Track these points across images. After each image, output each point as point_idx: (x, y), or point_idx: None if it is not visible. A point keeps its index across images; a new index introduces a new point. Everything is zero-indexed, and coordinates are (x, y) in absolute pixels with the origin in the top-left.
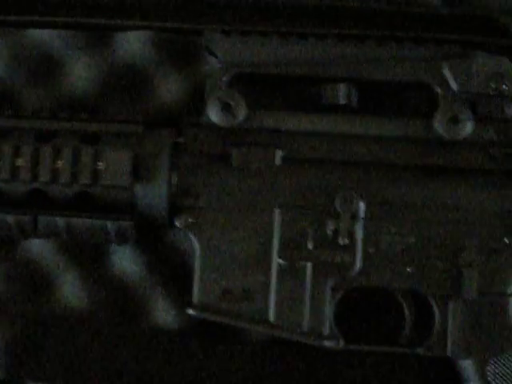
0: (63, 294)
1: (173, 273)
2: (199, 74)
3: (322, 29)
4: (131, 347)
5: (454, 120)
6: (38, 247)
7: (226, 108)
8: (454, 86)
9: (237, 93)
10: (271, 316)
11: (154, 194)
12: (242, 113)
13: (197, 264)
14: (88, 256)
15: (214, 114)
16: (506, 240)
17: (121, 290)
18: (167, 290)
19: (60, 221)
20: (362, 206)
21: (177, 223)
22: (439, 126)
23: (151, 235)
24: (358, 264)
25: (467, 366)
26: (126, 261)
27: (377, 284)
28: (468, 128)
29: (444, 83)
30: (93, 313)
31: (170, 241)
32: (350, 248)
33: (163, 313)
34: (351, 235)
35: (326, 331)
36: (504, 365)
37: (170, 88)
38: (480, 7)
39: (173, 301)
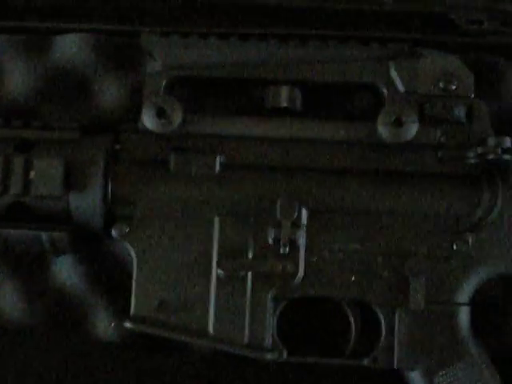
0: (2, 305)
1: (114, 284)
2: (139, 77)
3: (264, 29)
4: (72, 360)
5: (398, 122)
6: None
7: (161, 114)
8: (400, 86)
9: (173, 98)
10: (211, 328)
11: (88, 203)
12: (177, 119)
13: (134, 275)
14: (27, 267)
15: (148, 120)
16: (455, 246)
17: (61, 301)
18: (108, 302)
19: None
20: (304, 213)
21: (113, 233)
22: (382, 128)
23: (91, 245)
24: (301, 273)
25: (415, 378)
26: (65, 272)
27: (321, 293)
28: (412, 130)
29: (391, 84)
30: (32, 325)
31: (111, 250)
32: (292, 257)
33: (104, 325)
34: (293, 244)
35: (268, 343)
36: (453, 377)
37: (108, 93)
38: (429, 2)
39: (114, 313)
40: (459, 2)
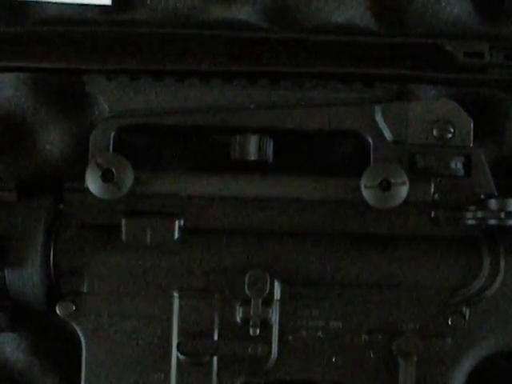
0: None
1: (63, 358)
2: (86, 122)
3: (229, 67)
4: None
5: (385, 185)
6: None
7: (108, 177)
8: (387, 134)
9: (122, 158)
10: None
11: (27, 279)
12: (127, 182)
13: (83, 361)
14: None
15: (93, 184)
16: (450, 321)
17: (4, 379)
18: (57, 378)
19: None
20: (276, 286)
21: (58, 312)
22: (367, 192)
23: (35, 320)
24: (274, 355)
25: None
26: (8, 347)
27: (297, 378)
28: (401, 194)
29: (376, 132)
30: None
31: (59, 323)
32: (264, 337)
33: None
34: (265, 322)
35: None
36: None
37: (50, 142)
38: (422, 32)
39: None
40: (456, 31)
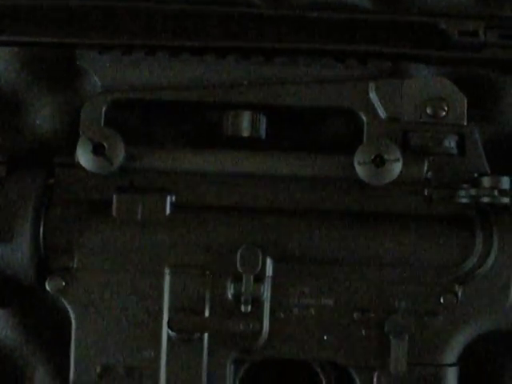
0: None
1: (53, 336)
2: (77, 97)
3: (222, 43)
4: None
5: (378, 161)
6: None
7: (99, 151)
8: (381, 112)
9: (113, 132)
10: None
11: (17, 254)
12: (118, 157)
13: (72, 336)
14: None
15: (84, 158)
16: (443, 300)
17: None
18: (47, 357)
19: None
20: (268, 263)
21: (47, 287)
22: (360, 168)
23: (25, 296)
24: (265, 332)
25: None
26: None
27: (288, 355)
28: (394, 171)
29: (370, 109)
30: None
31: (49, 299)
32: (255, 314)
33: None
34: (256, 299)
35: None
36: None
37: (41, 117)
38: (415, 10)
39: (54, 373)
40: (451, 10)
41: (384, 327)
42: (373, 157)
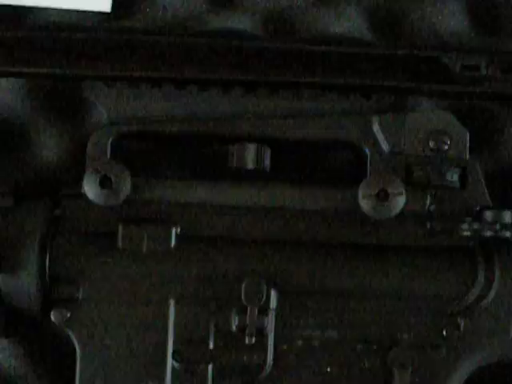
0: None
1: (58, 365)
2: (84, 129)
3: (226, 75)
4: None
5: (382, 196)
6: None
7: (106, 184)
8: (385, 146)
9: (120, 165)
10: None
11: (22, 285)
12: (125, 189)
13: (77, 367)
14: None
15: (91, 190)
16: (445, 332)
17: None
18: None
19: None
20: (273, 295)
21: (52, 318)
22: (364, 202)
23: (30, 326)
24: (269, 365)
25: None
26: (2, 353)
27: None
28: (398, 204)
29: (374, 142)
30: None
31: (54, 329)
32: (260, 346)
33: None
34: (260, 331)
35: None
36: None
37: (48, 148)
38: (418, 45)
39: None
40: (453, 43)
41: (387, 359)
42: (377, 191)
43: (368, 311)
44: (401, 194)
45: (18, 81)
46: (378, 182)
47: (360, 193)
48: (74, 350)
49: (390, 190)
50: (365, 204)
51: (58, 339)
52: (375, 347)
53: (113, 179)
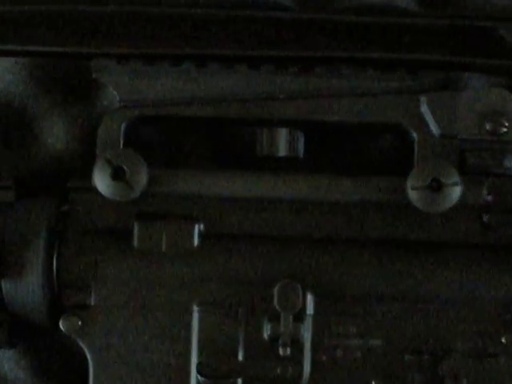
0: None
1: (67, 380)
2: (93, 113)
3: (254, 51)
4: None
5: (435, 186)
6: None
7: (119, 176)
8: (434, 128)
9: (135, 154)
10: None
11: (27, 290)
12: (141, 182)
13: (90, 381)
14: None
15: (102, 184)
16: (504, 339)
17: None
18: None
19: None
20: (309, 299)
21: (61, 327)
22: (414, 194)
23: (37, 334)
24: (306, 378)
25: None
26: (7, 364)
27: None
28: (454, 196)
29: (422, 125)
30: None
31: (62, 339)
32: (295, 357)
33: None
34: (296, 340)
35: None
36: None
37: (53, 135)
38: (471, 15)
39: None
40: (510, 14)
41: (438, 370)
42: (429, 181)
43: (417, 317)
44: (456, 184)
45: (20, 60)
46: (430, 170)
47: (409, 183)
48: (86, 361)
49: (443, 180)
50: (415, 196)
51: (68, 349)
52: (425, 357)
53: (127, 170)
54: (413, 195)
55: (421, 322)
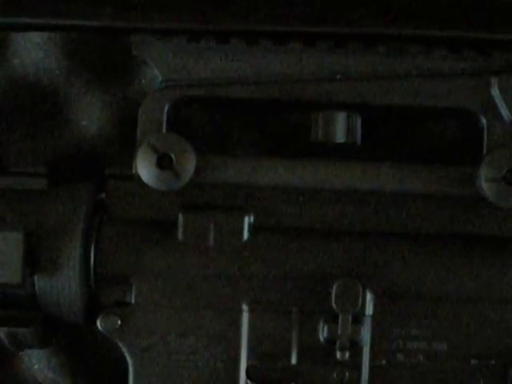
0: None
1: (102, 380)
2: (133, 94)
3: (309, 27)
4: None
5: (510, 178)
6: None
7: (165, 164)
8: (506, 114)
9: (181, 139)
10: None
11: (62, 287)
12: (188, 170)
13: None
14: None
15: (146, 172)
16: None
17: None
18: None
19: None
20: (369, 299)
21: (99, 326)
22: (488, 186)
23: (69, 334)
24: (365, 383)
25: None
26: (36, 363)
27: None
28: None
29: (493, 110)
30: None
31: (96, 336)
32: (353, 361)
33: None
34: (354, 343)
35: None
36: None
37: (88, 117)
38: None
39: None
40: None
41: (508, 377)
42: (504, 172)
43: (485, 319)
44: None
45: (52, 35)
46: (506, 159)
47: (482, 174)
48: (126, 364)
49: None
50: (488, 188)
51: (106, 350)
52: (493, 362)
53: (174, 158)
54: (486, 187)
55: (488, 325)
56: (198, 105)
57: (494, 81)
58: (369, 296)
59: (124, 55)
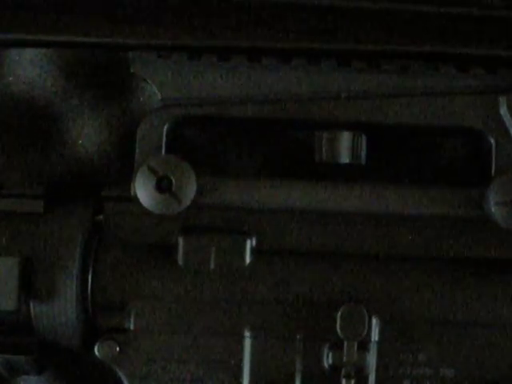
0: None
1: None
2: (131, 112)
3: (314, 44)
4: None
5: None
6: None
7: (164, 187)
8: None
9: (182, 162)
10: None
11: (59, 312)
12: (189, 193)
13: None
14: None
15: (145, 195)
16: None
17: None
18: None
19: None
20: (374, 325)
21: (97, 353)
22: (497, 209)
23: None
24: None
25: None
26: None
27: None
28: None
29: (501, 130)
30: None
31: (97, 366)
32: None
33: None
34: (360, 370)
35: None
36: None
37: (85, 136)
38: None
39: None
40: None
41: None
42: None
43: (494, 344)
44: None
45: (48, 52)
46: None
47: (491, 196)
48: None
49: None
50: (497, 212)
51: (103, 377)
52: None
53: (174, 181)
54: (495, 210)
55: (498, 351)
56: (198, 124)
57: (502, 100)
58: (374, 322)
59: (122, 72)
